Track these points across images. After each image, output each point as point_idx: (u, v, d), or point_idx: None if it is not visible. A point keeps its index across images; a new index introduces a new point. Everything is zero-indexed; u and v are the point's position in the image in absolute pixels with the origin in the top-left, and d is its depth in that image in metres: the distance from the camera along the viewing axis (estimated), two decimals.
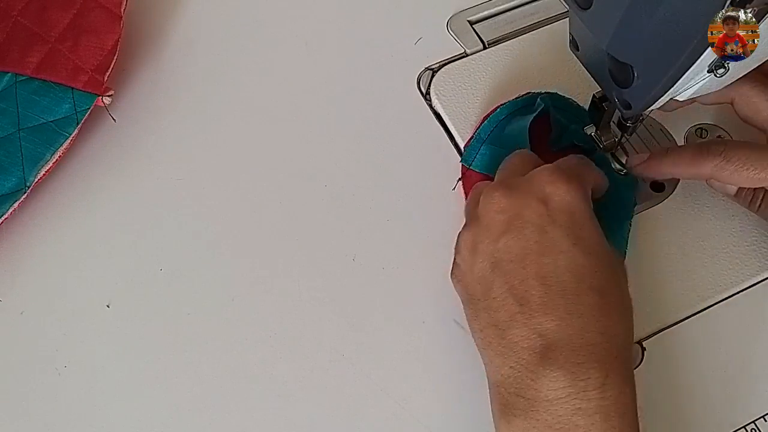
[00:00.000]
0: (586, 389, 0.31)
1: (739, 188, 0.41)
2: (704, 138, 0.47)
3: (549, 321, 0.32)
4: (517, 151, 0.41)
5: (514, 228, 0.35)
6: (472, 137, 0.46)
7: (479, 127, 0.46)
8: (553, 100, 0.46)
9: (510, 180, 0.37)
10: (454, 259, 0.39)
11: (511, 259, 0.34)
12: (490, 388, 0.35)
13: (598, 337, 0.32)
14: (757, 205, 0.41)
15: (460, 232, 0.39)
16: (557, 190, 0.35)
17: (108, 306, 0.43)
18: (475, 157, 0.45)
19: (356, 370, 0.41)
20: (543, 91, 0.47)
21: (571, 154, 0.40)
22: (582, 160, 0.39)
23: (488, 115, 0.46)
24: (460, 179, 0.45)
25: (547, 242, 0.34)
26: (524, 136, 0.43)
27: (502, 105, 0.46)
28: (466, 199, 0.44)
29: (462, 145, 0.47)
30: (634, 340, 0.39)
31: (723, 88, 0.38)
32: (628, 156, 0.44)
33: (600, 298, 0.33)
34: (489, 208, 0.36)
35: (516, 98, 0.47)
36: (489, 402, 0.39)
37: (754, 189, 0.40)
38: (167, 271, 0.44)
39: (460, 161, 0.46)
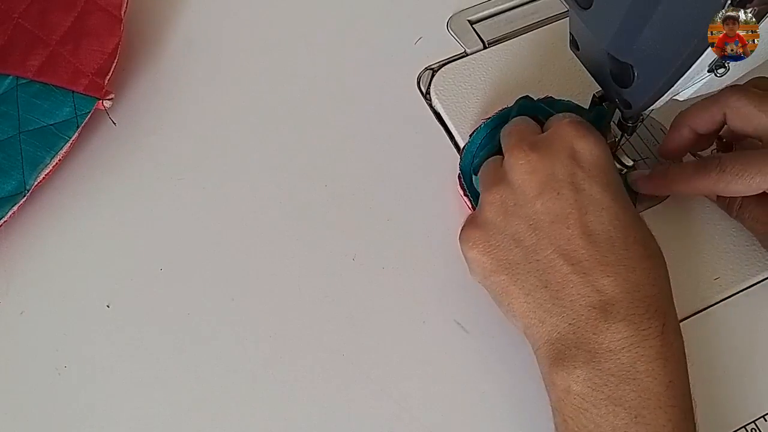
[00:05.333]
0: (647, 337, 0.33)
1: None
2: None
3: (604, 277, 0.34)
4: (515, 118, 0.41)
5: (550, 188, 0.35)
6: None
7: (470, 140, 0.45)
8: (548, 105, 0.45)
9: (532, 138, 0.37)
10: (471, 223, 0.38)
11: (552, 220, 0.35)
12: (539, 347, 0.35)
13: (653, 288, 0.34)
14: (735, 210, 0.41)
15: (482, 196, 0.38)
16: (586, 145, 0.36)
17: (108, 306, 0.43)
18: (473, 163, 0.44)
19: (356, 370, 0.41)
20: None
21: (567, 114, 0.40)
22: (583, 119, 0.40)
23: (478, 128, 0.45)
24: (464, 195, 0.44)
25: (586, 200, 0.35)
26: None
27: (487, 119, 0.45)
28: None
29: (462, 145, 0.47)
30: None
31: (713, 107, 0.40)
32: (630, 164, 0.45)
33: (644, 249, 0.35)
34: (518, 169, 0.36)
35: (502, 110, 0.45)
36: (489, 401, 0.39)
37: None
38: (167, 271, 0.44)
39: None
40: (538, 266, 0.35)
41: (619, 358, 0.33)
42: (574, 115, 0.40)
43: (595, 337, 0.33)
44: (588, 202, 0.35)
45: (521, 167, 0.36)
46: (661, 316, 0.33)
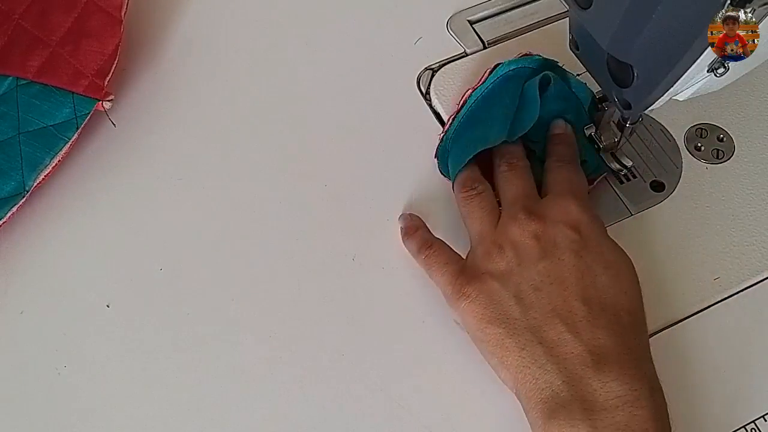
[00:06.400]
0: (639, 398, 0.34)
1: None
2: (704, 138, 0.47)
3: (596, 339, 0.36)
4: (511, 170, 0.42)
5: (551, 253, 0.38)
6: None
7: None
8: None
9: (533, 206, 0.40)
10: (462, 277, 0.39)
11: (551, 282, 0.37)
12: (532, 406, 0.36)
13: (639, 353, 0.36)
14: None
15: (481, 250, 0.40)
16: (584, 218, 0.39)
17: (108, 306, 0.43)
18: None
19: (356, 370, 0.41)
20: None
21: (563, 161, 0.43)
22: (579, 173, 0.43)
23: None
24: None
25: (582, 266, 0.38)
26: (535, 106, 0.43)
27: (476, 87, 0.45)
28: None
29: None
30: None
31: None
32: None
33: (630, 317, 0.37)
34: (523, 234, 0.39)
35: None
36: (489, 401, 0.39)
37: None
38: (167, 271, 0.44)
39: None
40: (536, 323, 0.37)
41: (614, 417, 0.34)
42: (573, 175, 0.42)
43: (589, 396, 0.34)
44: (584, 269, 0.37)
45: (526, 233, 0.39)
46: (647, 380, 0.35)
